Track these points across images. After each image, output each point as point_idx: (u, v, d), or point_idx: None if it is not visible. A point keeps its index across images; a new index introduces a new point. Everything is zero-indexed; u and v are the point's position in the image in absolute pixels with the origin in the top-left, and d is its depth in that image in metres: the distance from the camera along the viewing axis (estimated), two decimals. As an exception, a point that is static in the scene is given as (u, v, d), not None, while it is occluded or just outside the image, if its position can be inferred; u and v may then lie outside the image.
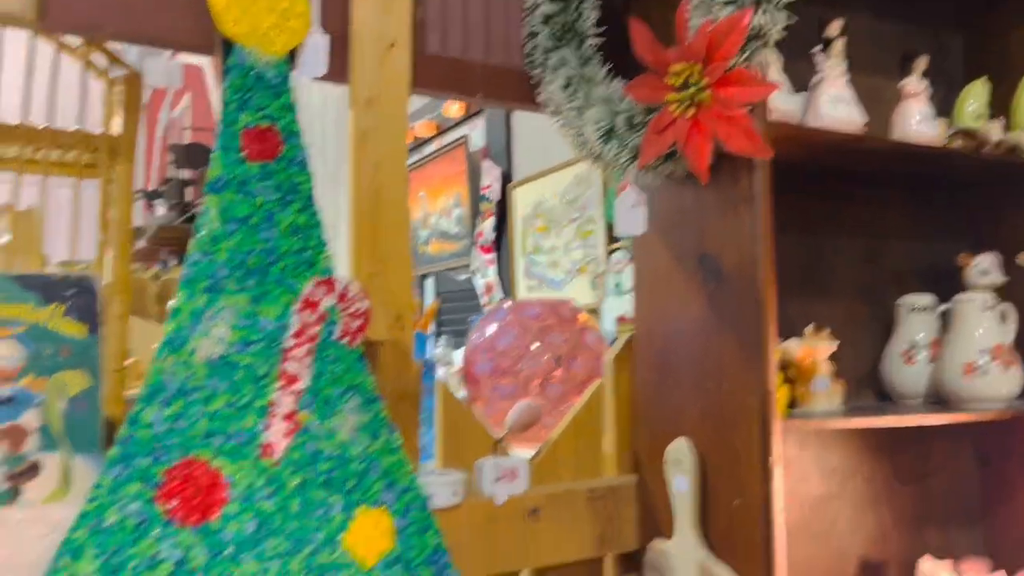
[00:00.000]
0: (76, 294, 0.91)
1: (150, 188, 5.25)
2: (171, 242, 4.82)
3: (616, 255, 2.71)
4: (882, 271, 1.44)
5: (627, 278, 2.56)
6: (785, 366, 1.22)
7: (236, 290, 0.96)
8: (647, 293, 1.25)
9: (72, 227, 1.30)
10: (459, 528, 1.09)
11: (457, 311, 3.56)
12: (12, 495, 0.87)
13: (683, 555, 1.13)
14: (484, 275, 3.37)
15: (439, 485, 1.09)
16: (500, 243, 3.35)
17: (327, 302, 1.02)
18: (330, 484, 0.99)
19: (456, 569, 1.05)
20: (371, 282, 1.11)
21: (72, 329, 0.91)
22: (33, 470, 0.88)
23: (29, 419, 0.88)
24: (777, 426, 1.02)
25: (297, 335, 0.99)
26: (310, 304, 1.01)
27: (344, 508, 0.99)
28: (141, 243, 4.75)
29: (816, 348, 1.22)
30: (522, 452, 1.26)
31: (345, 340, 1.03)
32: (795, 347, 1.22)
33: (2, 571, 0.83)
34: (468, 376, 1.51)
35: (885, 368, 1.36)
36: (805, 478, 1.35)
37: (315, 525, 0.97)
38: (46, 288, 0.90)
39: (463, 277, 3.57)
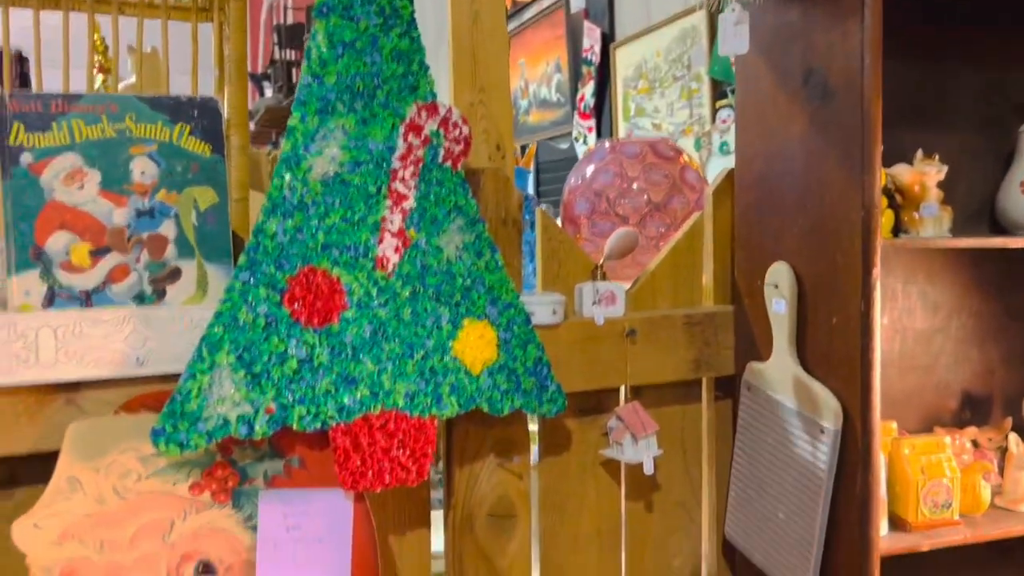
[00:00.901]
0: (201, 115, 0.97)
1: (257, 72, 5.36)
2: (280, 123, 4.95)
3: (722, 113, 2.64)
4: (1003, 102, 1.36)
5: (733, 136, 2.51)
6: (892, 192, 1.20)
7: (345, 112, 1.01)
8: (750, 116, 1.23)
9: (192, 67, 1.38)
10: (559, 345, 1.15)
11: (558, 181, 3.57)
12: (157, 297, 0.96)
13: (779, 374, 1.15)
14: (585, 142, 3.35)
15: (540, 304, 1.14)
16: (601, 108, 3.30)
17: (430, 126, 1.05)
18: (438, 297, 1.05)
19: (556, 381, 1.11)
20: (472, 111, 1.14)
21: (198, 148, 0.98)
22: (174, 275, 0.97)
23: (167, 229, 0.97)
24: (879, 241, 1.01)
25: (403, 157, 1.04)
26: (414, 127, 1.05)
27: (451, 319, 1.06)
28: (251, 126, 4.90)
29: (925, 173, 1.19)
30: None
31: (448, 164, 1.07)
32: (904, 172, 1.19)
33: (154, 360, 0.93)
34: (567, 217, 1.54)
35: (1001, 200, 1.32)
36: (910, 311, 1.34)
37: (426, 333, 1.04)
38: (174, 109, 0.97)
39: (564, 146, 3.56)
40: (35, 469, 0.92)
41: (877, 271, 1.02)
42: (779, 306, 1.14)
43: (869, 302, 1.02)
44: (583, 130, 3.37)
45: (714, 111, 2.66)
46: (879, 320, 1.03)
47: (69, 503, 0.91)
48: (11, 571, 0.92)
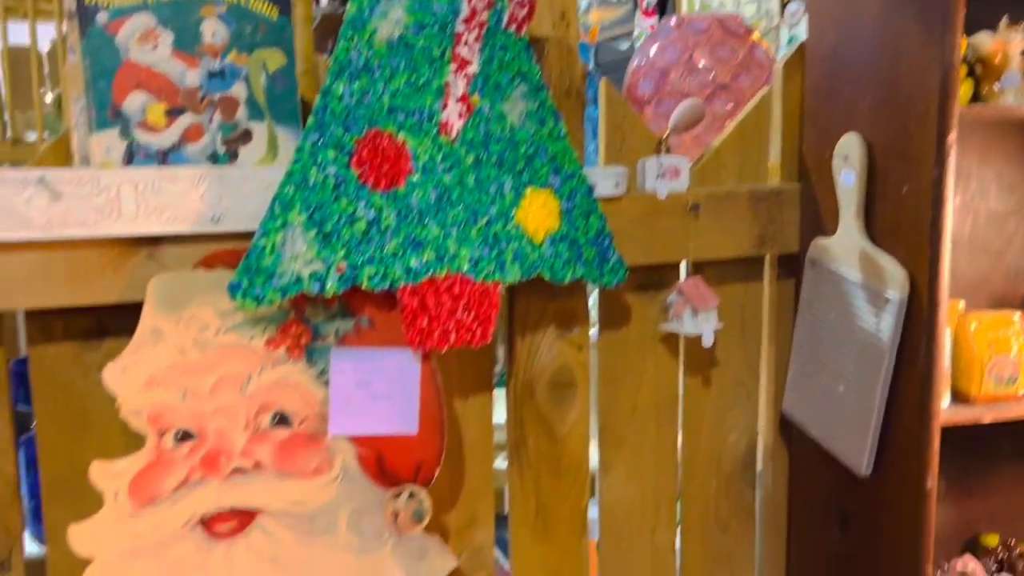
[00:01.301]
0: (267, -24, 0.98)
1: (315, -25, 5.31)
2: (336, 31, 4.91)
3: (791, 6, 2.54)
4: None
5: (802, 30, 2.42)
6: (971, 63, 1.15)
7: (409, -27, 1.00)
8: (823, -16, 1.19)
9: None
10: (621, 218, 1.15)
11: (619, 83, 3.50)
12: (230, 157, 0.99)
13: (845, 248, 1.14)
14: (647, 40, 3.26)
15: (603, 176, 1.14)
16: (664, 5, 3.20)
17: (495, -10, 1.04)
18: (501, 164, 1.06)
19: (617, 252, 1.12)
20: (536, -23, 1.12)
21: (266, 10, 0.99)
22: (245, 137, 0.99)
23: (238, 91, 0.98)
24: (956, 104, 0.98)
25: (467, 20, 1.03)
26: (479, -10, 1.04)
27: (514, 187, 1.06)
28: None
29: (1009, 42, 1.13)
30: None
31: (512, 28, 1.06)
32: (985, 40, 1.14)
33: (229, 218, 0.96)
34: (630, 99, 1.52)
35: (1089, 74, 1.25)
36: (983, 192, 1.30)
37: (489, 199, 1.05)
38: (241, -30, 0.97)
39: (625, 47, 3.47)
40: (121, 321, 0.97)
41: (953, 136, 0.99)
42: (848, 178, 1.12)
43: (943, 169, 1.00)
44: (645, 29, 3.28)
45: (783, 4, 2.56)
46: (952, 188, 1.01)
47: (153, 352, 0.96)
48: (104, 414, 0.99)
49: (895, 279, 1.05)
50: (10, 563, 0.98)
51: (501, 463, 1.25)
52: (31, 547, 1.04)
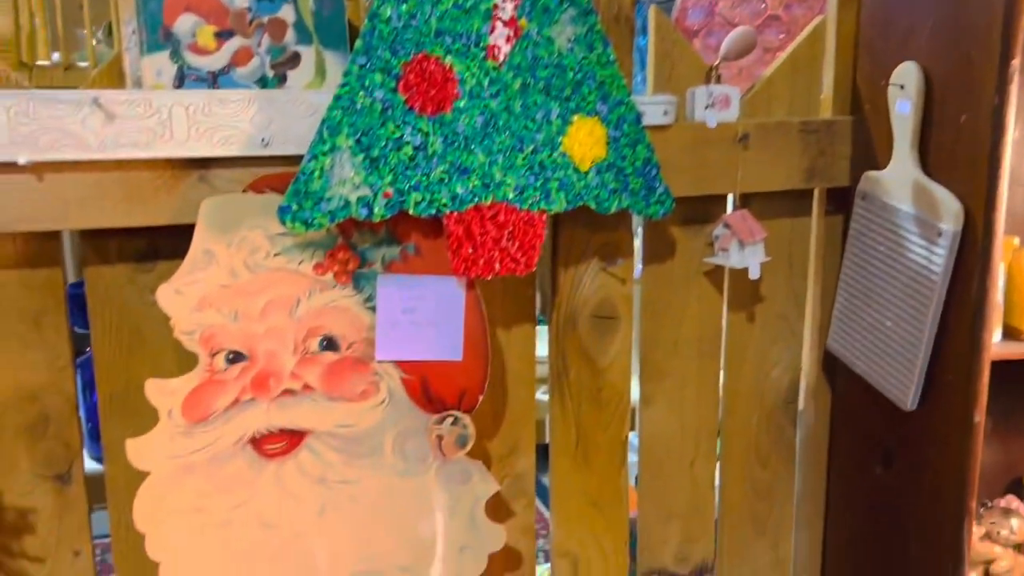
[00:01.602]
0: None
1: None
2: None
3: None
4: None
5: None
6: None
7: None
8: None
9: None
10: (669, 147, 1.14)
11: (668, 13, 3.42)
12: (279, 81, 0.99)
13: (898, 180, 1.12)
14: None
15: (651, 104, 1.12)
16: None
17: (542, -90, 1.02)
18: (548, 90, 1.05)
19: (664, 183, 1.11)
20: (586, -101, 1.09)
21: (314, -70, 0.98)
22: (293, 60, 0.99)
23: (286, 14, 0.98)
24: (1021, 27, 0.95)
25: (516, -58, 1.01)
26: (527, -88, 1.01)
27: (561, 114, 1.05)
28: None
29: (1080, -34, 1.09)
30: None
31: (561, -49, 1.04)
32: (1054, -37, 1.09)
33: (278, 142, 0.97)
34: (679, 28, 1.48)
35: None
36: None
37: (536, 126, 1.04)
38: None
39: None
40: (173, 244, 0.99)
41: (1017, 62, 0.96)
42: (903, 107, 1.09)
43: (1004, 96, 0.97)
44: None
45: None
46: (1013, 117, 0.98)
47: (205, 273, 0.98)
48: (157, 335, 1.01)
49: (949, 211, 1.03)
50: (71, 476, 1.02)
51: (542, 396, 1.26)
52: (89, 465, 1.08)
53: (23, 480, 1.00)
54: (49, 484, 1.01)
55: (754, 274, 1.17)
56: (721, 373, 1.30)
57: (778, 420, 1.33)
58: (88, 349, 1.05)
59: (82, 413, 1.06)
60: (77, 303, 1.04)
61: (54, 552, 1.02)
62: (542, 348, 1.20)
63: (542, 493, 1.24)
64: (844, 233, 1.25)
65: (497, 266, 1.05)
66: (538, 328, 1.20)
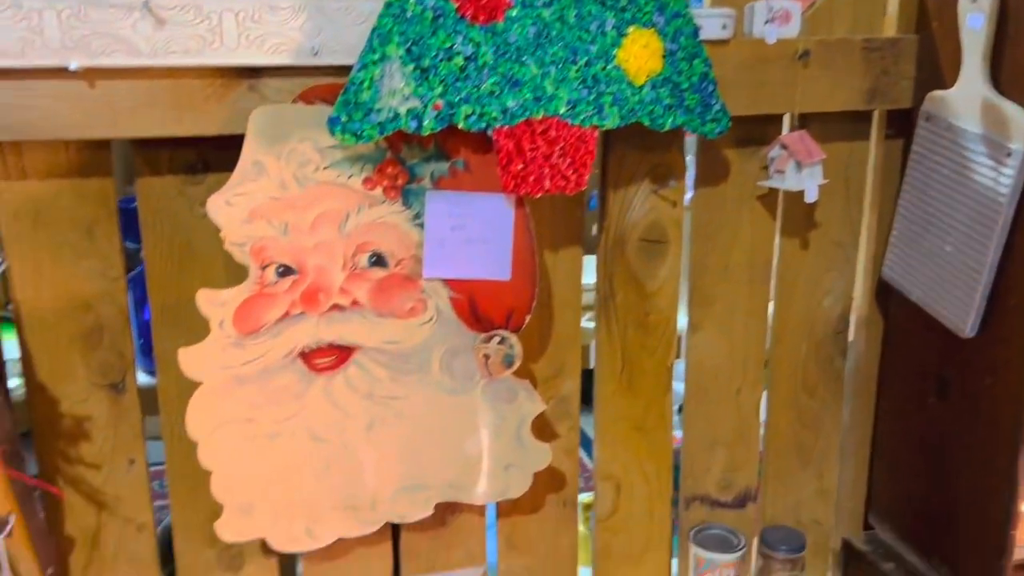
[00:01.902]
0: None
1: None
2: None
3: None
4: None
5: None
6: None
7: None
8: None
9: None
10: (725, 63, 1.10)
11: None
12: None
13: (965, 98, 1.07)
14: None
15: (709, 17, 1.08)
16: None
17: None
18: (603, 0, 1.01)
19: (721, 99, 1.08)
20: None
21: None
22: (342, -33, 0.97)
23: (335, -83, 0.95)
24: (1112, -70, 0.89)
25: None
26: None
27: (616, 25, 1.02)
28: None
29: None
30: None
31: None
32: None
33: (328, 51, 0.95)
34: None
35: None
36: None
37: (589, 38, 1.01)
38: None
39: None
40: (222, 157, 0.99)
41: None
42: (975, 21, 1.04)
43: (1088, 5, 0.92)
44: None
45: None
46: (1096, 28, 0.93)
47: (255, 185, 0.97)
48: (208, 247, 1.01)
49: (1021, 129, 0.98)
50: (124, 385, 1.03)
51: (587, 323, 1.25)
52: (141, 378, 1.09)
53: (79, 388, 1.02)
54: (104, 393, 1.03)
55: (811, 197, 1.13)
56: (771, 300, 1.28)
57: (827, 350, 1.31)
58: (138, 266, 1.06)
59: (134, 329, 1.07)
60: (126, 218, 1.05)
61: (110, 459, 1.05)
62: (588, 275, 1.18)
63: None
64: (904, 158, 1.21)
65: (547, 183, 1.03)
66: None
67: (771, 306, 1.28)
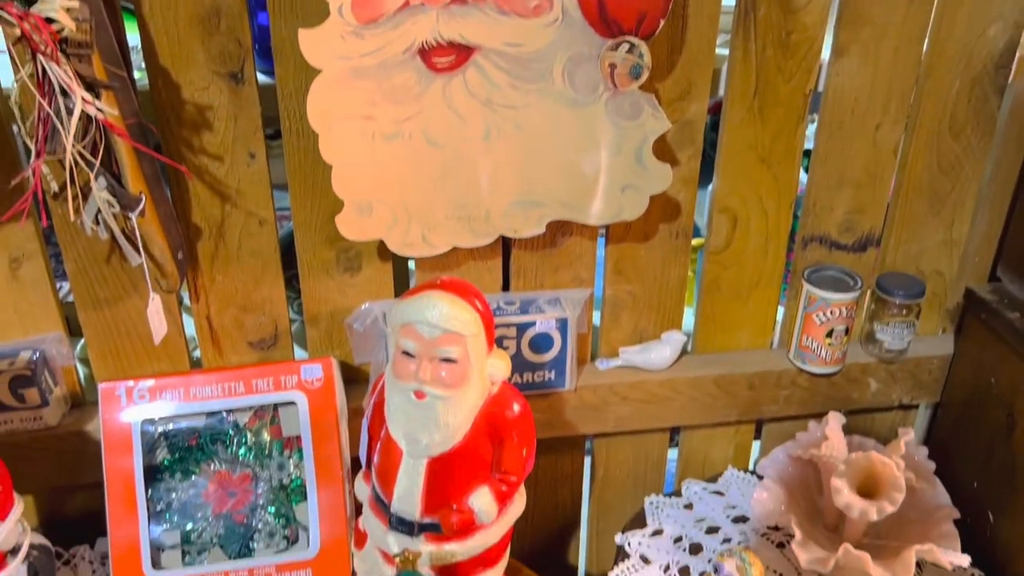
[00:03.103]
0: None
1: None
2: None
3: None
4: None
5: None
6: None
7: None
8: None
9: None
10: None
11: None
12: None
13: None
14: None
15: None
16: None
17: None
18: None
19: None
20: None
21: None
22: None
23: None
24: None
25: None
26: None
27: None
28: None
29: None
30: None
31: None
32: None
33: None
34: None
35: None
36: None
37: None
38: None
39: None
40: None
41: None
42: None
43: None
44: None
45: None
46: None
47: None
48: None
49: None
50: (243, 76, 1.01)
51: (720, 48, 1.15)
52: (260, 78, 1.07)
53: (199, 75, 1.00)
54: (224, 82, 1.01)
55: None
56: (930, 26, 1.15)
57: (983, 87, 1.19)
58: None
59: (252, 30, 1.03)
60: None
61: (231, 151, 1.05)
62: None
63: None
64: None
65: None
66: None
67: (928, 33, 1.15)
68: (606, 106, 1.05)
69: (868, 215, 1.26)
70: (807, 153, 1.23)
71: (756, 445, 1.44)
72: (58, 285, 1.13)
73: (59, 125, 0.86)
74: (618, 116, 1.06)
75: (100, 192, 0.94)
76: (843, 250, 1.28)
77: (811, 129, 1.23)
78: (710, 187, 1.23)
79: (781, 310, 1.34)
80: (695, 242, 1.34)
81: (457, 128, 1.04)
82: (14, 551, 0.97)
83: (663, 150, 1.13)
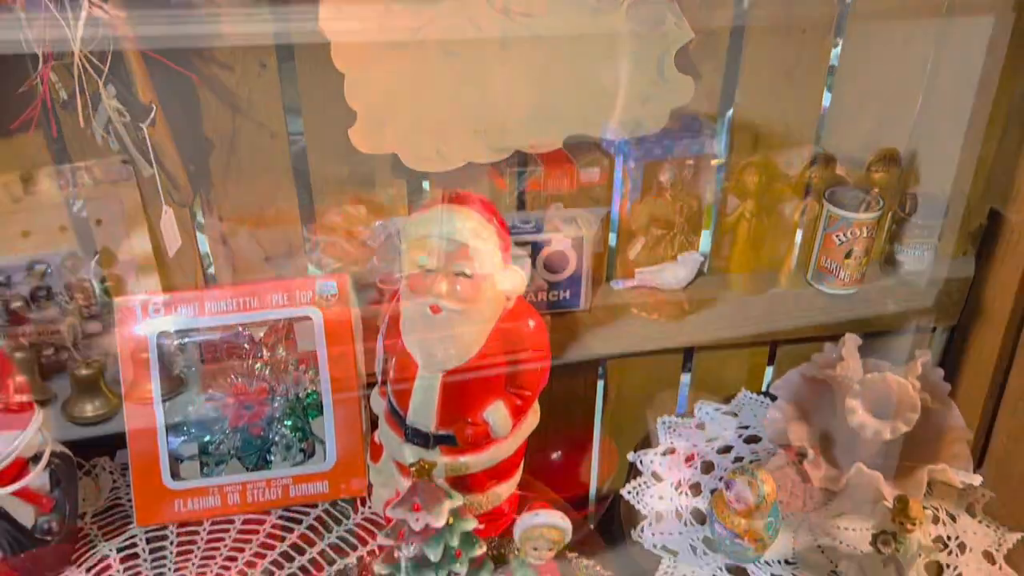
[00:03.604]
0: None
1: None
2: None
3: None
4: None
5: None
6: None
7: None
8: None
9: None
10: None
11: None
12: None
13: None
14: None
15: None
16: None
17: None
18: None
19: None
20: None
21: None
22: None
23: None
24: None
25: None
26: None
27: None
28: None
29: None
30: None
31: None
32: None
33: None
34: None
35: None
36: None
37: None
38: None
39: None
40: None
41: None
42: None
43: None
44: None
45: None
46: None
47: None
48: None
49: None
50: (254, -19, 0.98)
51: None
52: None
53: (208, -21, 0.97)
54: (233, -13, 0.98)
55: None
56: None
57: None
58: None
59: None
60: None
61: (241, 60, 1.03)
62: None
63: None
64: None
65: None
66: None
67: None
68: (627, 13, 1.02)
69: (892, 134, 1.23)
70: (831, 71, 1.20)
71: (769, 372, 1.44)
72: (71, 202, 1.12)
73: (66, 28, 0.84)
74: (640, 24, 1.02)
75: (110, 100, 0.92)
76: (865, 170, 1.25)
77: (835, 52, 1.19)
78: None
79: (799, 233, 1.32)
80: (714, 162, 1.31)
81: (473, 36, 1.01)
82: (35, 459, 0.98)
83: (685, 62, 1.10)
